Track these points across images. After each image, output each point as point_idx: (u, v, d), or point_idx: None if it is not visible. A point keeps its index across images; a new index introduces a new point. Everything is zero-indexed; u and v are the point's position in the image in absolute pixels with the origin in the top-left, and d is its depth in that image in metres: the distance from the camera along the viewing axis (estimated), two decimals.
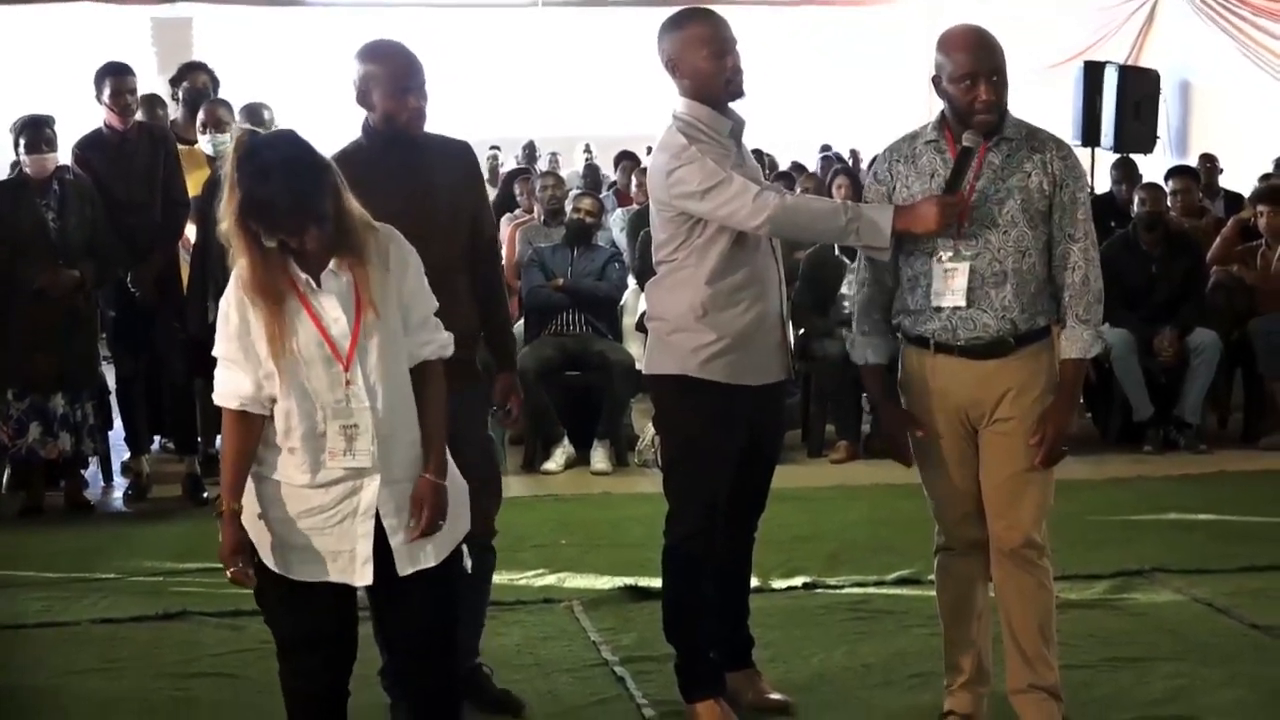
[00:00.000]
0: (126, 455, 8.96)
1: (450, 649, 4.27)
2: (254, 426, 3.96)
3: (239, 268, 3.88)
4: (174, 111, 9.89)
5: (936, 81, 4.77)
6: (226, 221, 3.85)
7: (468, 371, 4.94)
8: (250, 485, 4.00)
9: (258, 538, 4.00)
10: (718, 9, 5.23)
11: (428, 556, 4.06)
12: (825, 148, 19.30)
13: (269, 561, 4.02)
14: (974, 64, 4.70)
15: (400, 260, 4.01)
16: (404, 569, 4.03)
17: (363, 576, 4.01)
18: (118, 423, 8.90)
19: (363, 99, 4.93)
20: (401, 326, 4.00)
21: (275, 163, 3.82)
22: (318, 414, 3.92)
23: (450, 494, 4.09)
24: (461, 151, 5.17)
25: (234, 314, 3.90)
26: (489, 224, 5.33)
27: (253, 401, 3.93)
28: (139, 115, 9.00)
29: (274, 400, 3.93)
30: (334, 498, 3.96)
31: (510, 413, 5.39)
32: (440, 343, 4.12)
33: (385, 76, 4.88)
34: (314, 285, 3.89)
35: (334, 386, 3.91)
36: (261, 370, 3.90)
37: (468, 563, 4.25)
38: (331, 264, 3.90)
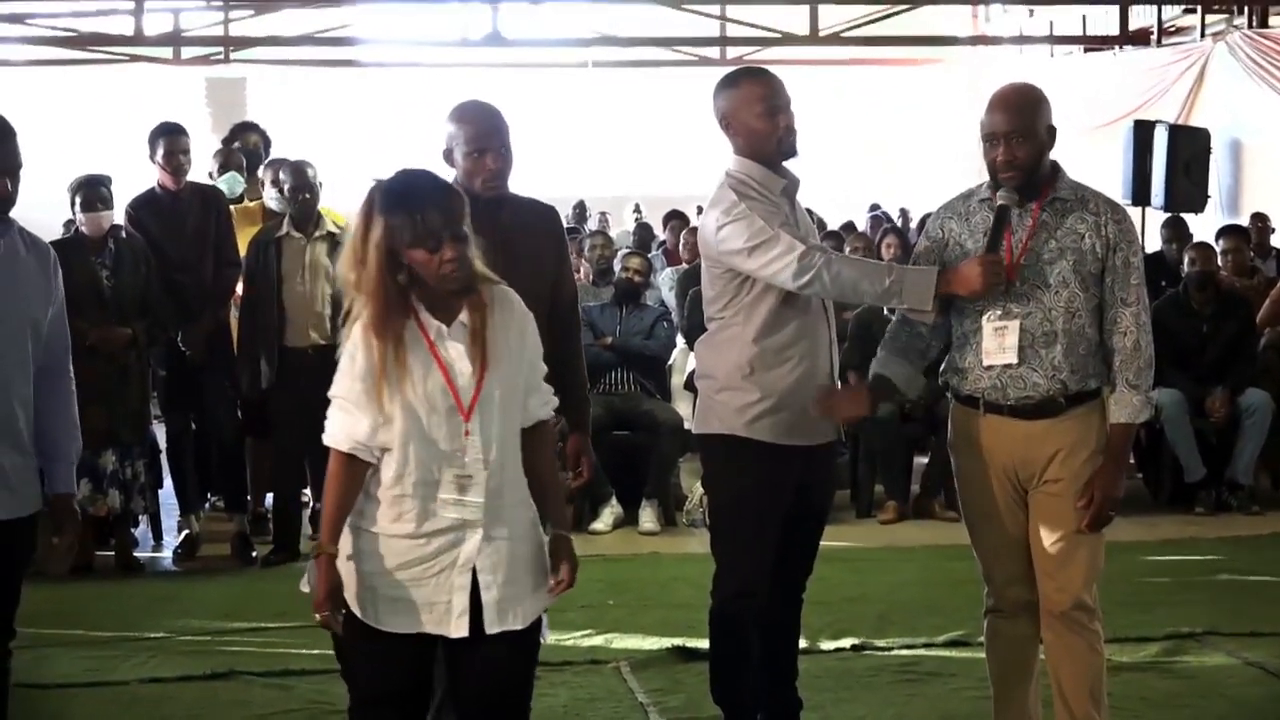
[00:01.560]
0: (177, 514, 8.98)
1: (521, 710, 4.23)
2: (359, 473, 3.97)
3: (366, 311, 3.91)
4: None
5: None
6: (350, 268, 3.91)
7: None
8: (346, 535, 4.00)
9: (348, 589, 3.98)
10: (770, 68, 5.26)
11: (516, 618, 4.03)
12: (874, 207, 19.33)
13: (359, 612, 4.00)
14: (993, 124, 4.74)
15: (524, 318, 4.08)
16: (492, 627, 3.99)
17: (459, 628, 3.98)
18: (168, 481, 8.93)
19: (447, 157, 5.01)
20: (523, 384, 4.06)
21: (419, 182, 3.95)
22: (433, 462, 3.93)
23: (544, 560, 4.11)
24: (547, 214, 5.25)
25: (360, 355, 3.92)
26: (570, 287, 5.34)
27: (364, 447, 3.94)
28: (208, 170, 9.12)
29: (385, 450, 3.95)
30: (435, 549, 3.95)
31: (581, 474, 5.40)
32: (554, 401, 4.21)
33: (465, 137, 4.96)
34: (445, 333, 3.94)
35: (453, 436, 3.93)
36: (381, 415, 3.92)
37: (546, 632, 4.21)
38: (462, 315, 3.95)
